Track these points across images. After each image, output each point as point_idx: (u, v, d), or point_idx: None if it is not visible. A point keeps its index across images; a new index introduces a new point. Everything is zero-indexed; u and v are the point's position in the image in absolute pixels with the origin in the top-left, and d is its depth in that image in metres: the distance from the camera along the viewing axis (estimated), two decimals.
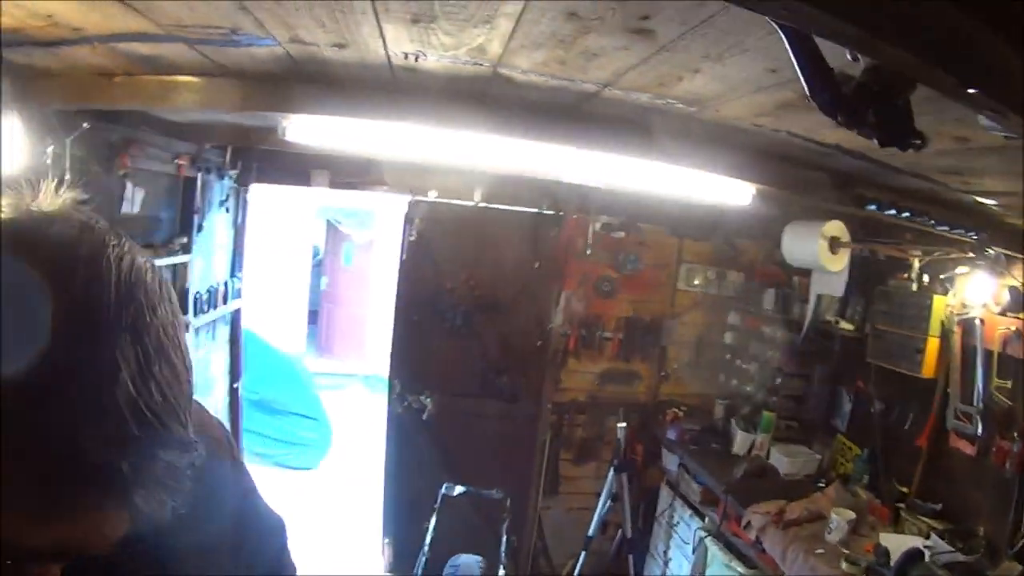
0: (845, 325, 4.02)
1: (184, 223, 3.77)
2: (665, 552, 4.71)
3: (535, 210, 4.61)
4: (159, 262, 3.20)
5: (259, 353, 6.71)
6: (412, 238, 4.57)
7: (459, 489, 3.89)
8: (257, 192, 4.66)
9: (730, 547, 3.85)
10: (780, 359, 4.53)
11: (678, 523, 4.61)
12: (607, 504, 4.58)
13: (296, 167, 4.35)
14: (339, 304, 10.81)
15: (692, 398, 5.03)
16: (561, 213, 4.62)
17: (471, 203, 4.56)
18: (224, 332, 4.71)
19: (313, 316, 10.90)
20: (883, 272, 3.83)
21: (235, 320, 4.87)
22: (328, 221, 10.65)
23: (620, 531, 4.68)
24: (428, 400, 4.81)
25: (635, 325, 4.85)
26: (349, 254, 10.62)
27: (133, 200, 3.10)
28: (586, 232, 4.66)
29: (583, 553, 4.65)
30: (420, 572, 3.93)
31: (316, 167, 4.36)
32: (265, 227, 7.95)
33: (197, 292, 3.96)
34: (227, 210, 4.46)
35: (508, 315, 4.76)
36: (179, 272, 3.72)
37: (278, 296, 9.37)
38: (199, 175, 3.81)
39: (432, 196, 4.52)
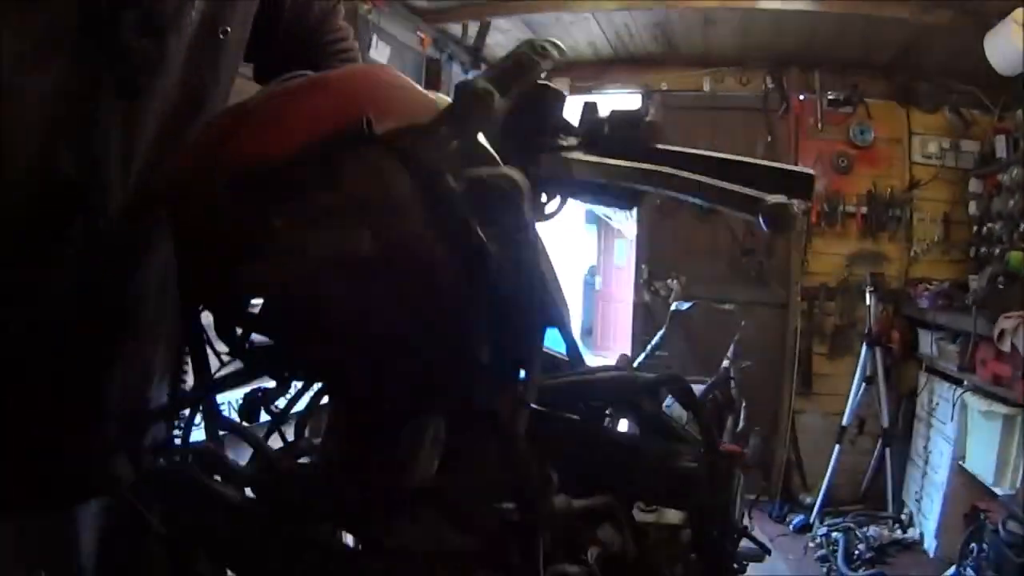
0: None
1: None
2: (925, 447, 5.04)
3: (760, 93, 5.79)
4: None
5: None
6: None
7: (687, 305, 4.95)
8: None
9: (991, 396, 4.24)
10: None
11: (937, 405, 4.97)
12: (861, 387, 5.17)
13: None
14: (613, 302, 12.06)
15: (944, 274, 5.52)
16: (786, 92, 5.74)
17: (700, 91, 5.89)
18: None
19: (587, 316, 12.45)
20: None
21: None
22: (599, 218, 12.28)
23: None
24: (675, 284, 5.93)
25: (876, 200, 5.65)
26: (622, 251, 11.88)
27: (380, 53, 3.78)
28: (814, 110, 5.70)
29: (836, 447, 5.15)
30: None
31: (556, 75, 6.02)
32: None
33: None
34: None
35: None
36: None
37: None
38: (443, 57, 4.84)
39: (663, 86, 5.94)
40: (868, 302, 5.22)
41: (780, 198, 0.61)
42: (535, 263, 0.58)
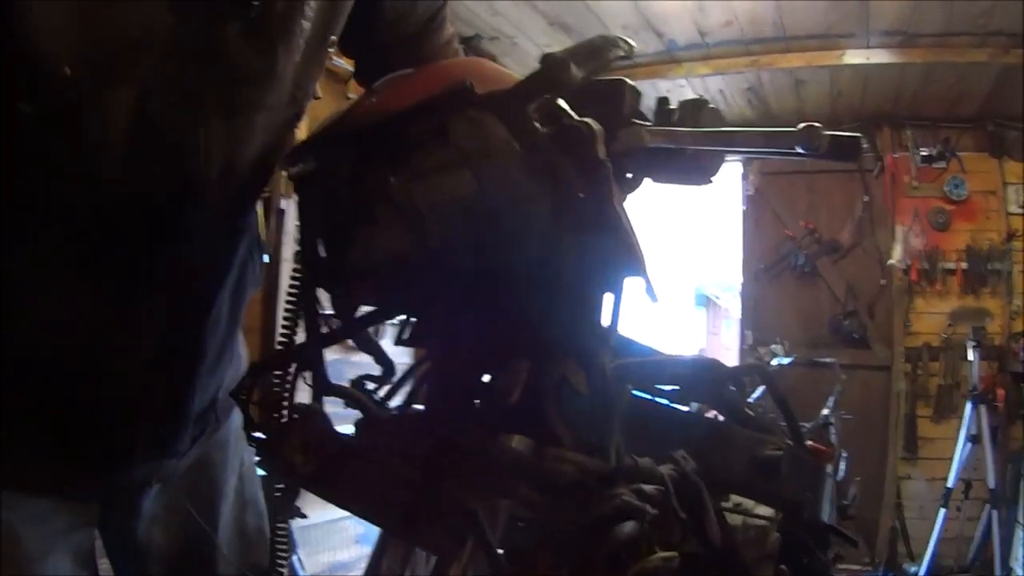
0: None
1: None
2: None
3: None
4: None
5: None
6: (750, 192, 6.03)
7: (787, 360, 4.89)
8: None
9: None
10: None
11: None
12: (967, 447, 4.93)
13: None
14: None
15: None
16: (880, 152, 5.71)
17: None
18: None
19: None
20: None
21: None
22: (708, 299, 12.19)
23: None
24: (778, 348, 5.90)
25: (975, 254, 5.53)
26: (729, 331, 11.84)
27: None
28: (908, 167, 5.66)
29: (942, 512, 4.89)
30: None
31: None
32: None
33: None
34: None
35: (849, 256, 5.81)
36: None
37: None
38: None
39: None
40: (971, 358, 5.06)
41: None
42: (614, 205, 0.64)
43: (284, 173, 0.82)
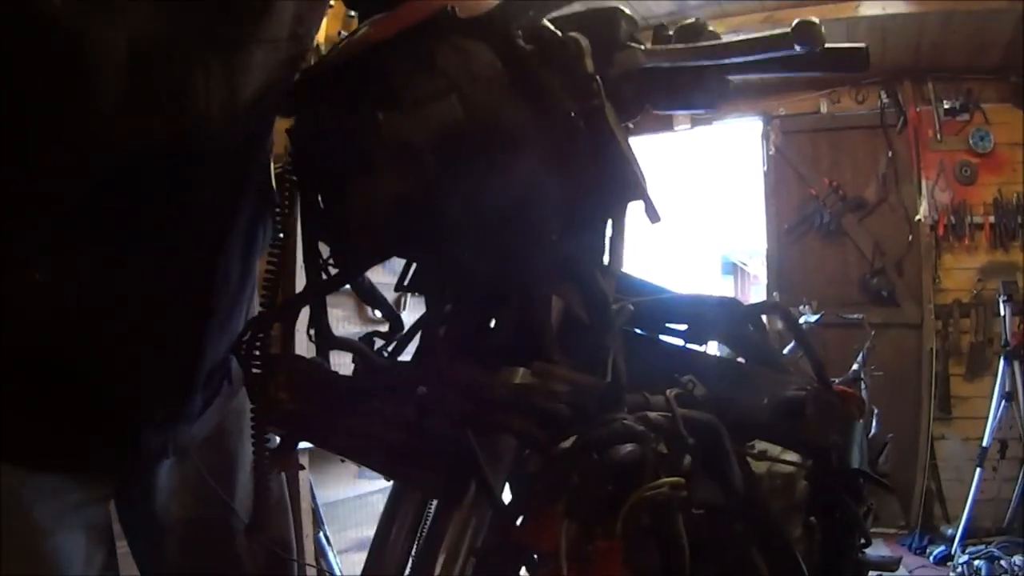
0: None
1: None
2: None
3: (876, 109, 5.68)
4: None
5: None
6: (771, 152, 5.93)
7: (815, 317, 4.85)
8: None
9: None
10: None
11: None
12: (1001, 405, 4.83)
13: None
14: None
15: None
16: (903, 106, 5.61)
17: (818, 113, 5.83)
18: None
19: None
20: None
21: None
22: (735, 266, 12.11)
23: None
24: (806, 309, 5.83)
25: (1003, 207, 5.42)
26: (759, 297, 11.81)
27: None
28: (932, 121, 5.55)
29: (977, 472, 4.81)
30: None
31: None
32: None
33: None
34: None
35: (875, 213, 5.71)
36: None
37: None
38: None
39: (781, 112, 5.90)
40: (1003, 313, 4.96)
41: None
42: (607, 123, 0.61)
43: None
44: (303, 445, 2.72)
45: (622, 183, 0.65)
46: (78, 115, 0.80)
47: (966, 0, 4.45)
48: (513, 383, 0.57)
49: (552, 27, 0.63)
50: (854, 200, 5.75)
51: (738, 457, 0.94)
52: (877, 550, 2.09)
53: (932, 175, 5.54)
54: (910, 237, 5.61)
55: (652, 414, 0.60)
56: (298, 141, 0.79)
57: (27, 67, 0.75)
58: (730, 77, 0.79)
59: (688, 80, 0.76)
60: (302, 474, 3.01)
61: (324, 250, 0.82)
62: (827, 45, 0.74)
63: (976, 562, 4.52)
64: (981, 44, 5.09)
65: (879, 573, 1.99)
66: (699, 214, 11.47)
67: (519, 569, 0.58)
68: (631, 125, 0.81)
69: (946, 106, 5.54)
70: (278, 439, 0.81)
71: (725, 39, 0.74)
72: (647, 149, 6.81)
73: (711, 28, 0.79)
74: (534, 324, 0.63)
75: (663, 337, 1.01)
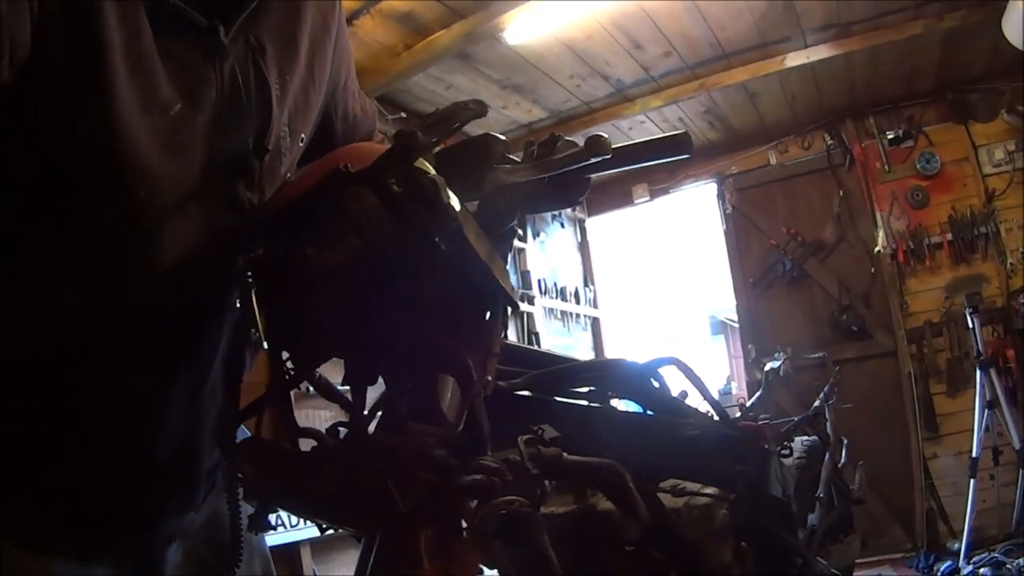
0: None
1: None
2: None
3: (823, 152, 5.96)
4: None
5: None
6: (728, 210, 6.19)
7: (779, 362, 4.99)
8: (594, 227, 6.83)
9: None
10: None
11: None
12: (984, 414, 4.91)
13: (618, 189, 6.41)
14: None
15: None
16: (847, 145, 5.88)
17: (768, 165, 6.11)
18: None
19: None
20: None
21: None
22: (724, 325, 12.24)
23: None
24: (781, 355, 5.92)
25: (959, 223, 5.62)
26: None
27: None
28: (878, 153, 5.82)
29: (972, 483, 4.88)
30: None
31: (633, 183, 6.39)
32: None
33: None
34: (561, 225, 6.55)
35: (835, 252, 5.93)
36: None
37: None
38: None
39: (733, 170, 6.18)
40: (971, 326, 5.10)
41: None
42: (466, 241, 0.80)
43: None
44: (305, 536, 2.84)
45: (486, 284, 0.84)
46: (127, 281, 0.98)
47: (886, 31, 4.65)
48: (413, 445, 0.76)
49: (421, 169, 0.83)
50: (813, 244, 5.99)
51: (644, 493, 1.09)
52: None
53: (885, 206, 5.77)
54: (872, 269, 5.82)
55: (511, 455, 0.78)
56: (254, 269, 0.97)
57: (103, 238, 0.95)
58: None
59: (550, 186, 0.95)
60: (306, 563, 3.17)
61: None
62: (647, 138, 0.95)
63: (981, 570, 4.60)
64: (912, 70, 5.35)
65: None
66: (680, 278, 11.68)
67: None
68: (520, 228, 1.00)
69: (890, 136, 5.81)
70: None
71: (573, 149, 0.92)
72: (610, 224, 7.10)
73: (566, 139, 0.97)
74: (427, 400, 0.81)
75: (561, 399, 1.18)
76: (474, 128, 0.92)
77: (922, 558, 5.25)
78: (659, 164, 0.98)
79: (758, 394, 4.83)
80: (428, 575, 0.73)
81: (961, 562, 4.86)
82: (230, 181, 1.03)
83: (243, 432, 1.09)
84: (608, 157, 0.88)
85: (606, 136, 0.86)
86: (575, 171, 0.92)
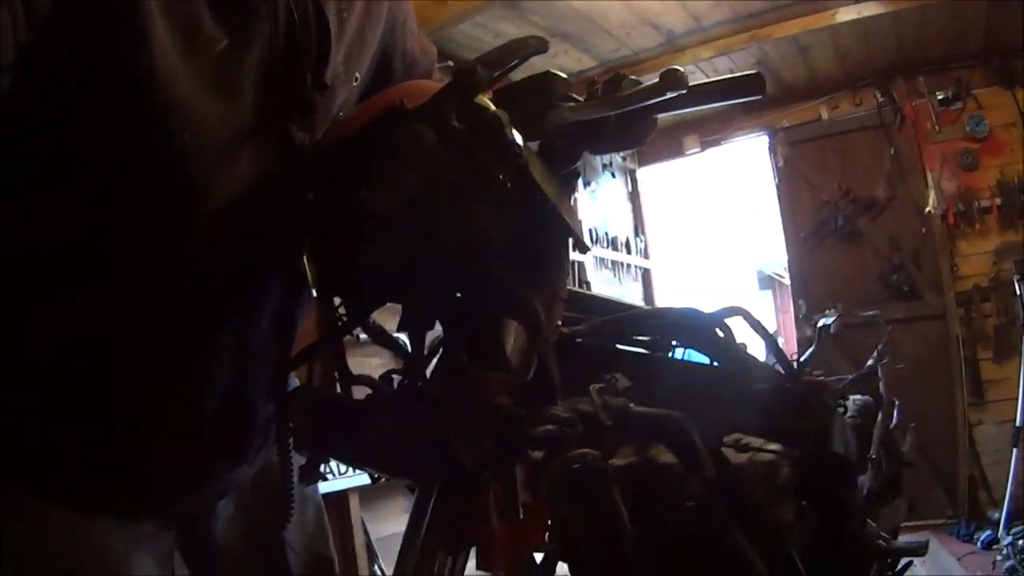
0: None
1: None
2: None
3: (874, 109, 5.81)
4: None
5: None
6: (780, 164, 6.07)
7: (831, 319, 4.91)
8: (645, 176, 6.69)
9: None
10: None
11: None
12: None
13: (669, 139, 6.28)
14: None
15: None
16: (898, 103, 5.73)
17: (819, 120, 5.96)
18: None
19: None
20: None
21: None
22: (771, 279, 12.09)
23: None
24: (831, 312, 5.84)
25: (1007, 188, 5.49)
26: None
27: None
28: (928, 113, 5.67)
29: (1014, 452, 4.81)
30: None
31: (684, 134, 6.26)
32: None
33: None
34: (612, 175, 6.43)
35: (886, 211, 5.81)
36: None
37: None
38: None
39: (784, 124, 6.04)
40: (1019, 292, 5.00)
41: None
42: (531, 178, 0.75)
43: None
44: (353, 485, 2.84)
45: (552, 224, 0.79)
46: (176, 227, 0.93)
47: None
48: (478, 392, 0.72)
49: (482, 104, 0.78)
50: (865, 201, 5.86)
51: (710, 448, 1.04)
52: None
53: (936, 166, 5.63)
54: (923, 230, 5.69)
55: (581, 405, 0.73)
56: (308, 215, 0.93)
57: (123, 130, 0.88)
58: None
59: (615, 126, 0.89)
60: (354, 511, 3.19)
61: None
62: (721, 77, 0.89)
63: (1020, 542, 4.50)
64: (960, 32, 5.21)
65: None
66: (729, 231, 11.53)
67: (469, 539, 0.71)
68: (581, 170, 0.95)
69: (939, 97, 5.64)
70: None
71: (645, 83, 0.86)
72: (661, 175, 7.01)
73: (631, 77, 0.92)
74: (490, 346, 0.76)
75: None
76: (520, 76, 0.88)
77: (963, 526, 5.20)
78: (730, 104, 0.92)
79: (811, 350, 4.75)
80: (496, 534, 0.69)
81: (1000, 531, 4.78)
82: (283, 121, 0.98)
83: (295, 382, 1.06)
84: (683, 93, 0.82)
85: (683, 70, 0.79)
86: (643, 109, 0.87)
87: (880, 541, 1.79)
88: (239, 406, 1.09)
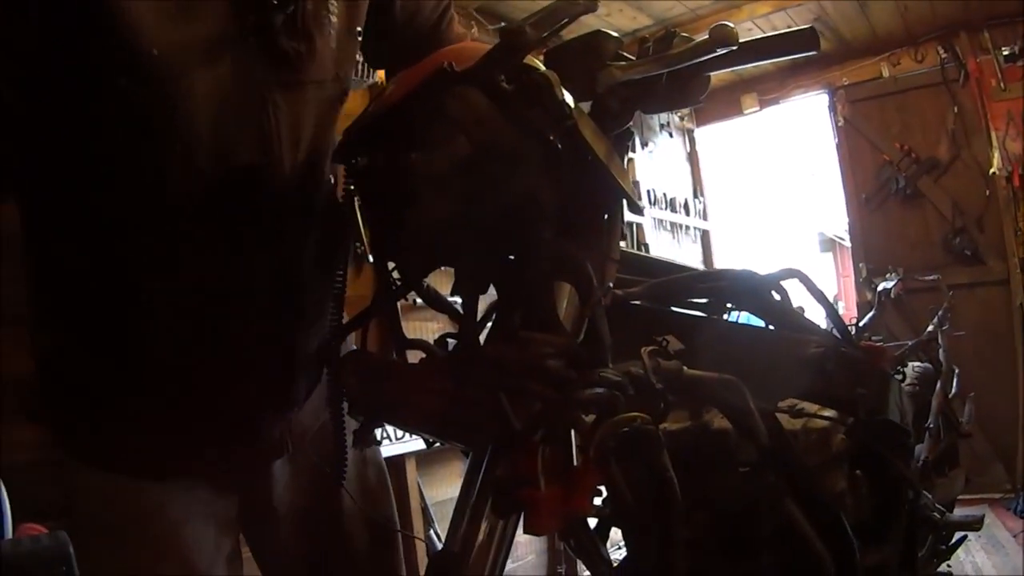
0: None
1: None
2: None
3: (937, 66, 5.62)
4: None
5: None
6: (840, 123, 5.94)
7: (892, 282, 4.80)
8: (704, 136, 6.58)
9: None
10: None
11: None
12: None
13: (727, 98, 6.18)
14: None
15: None
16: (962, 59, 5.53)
17: (880, 78, 5.80)
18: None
19: None
20: None
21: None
22: (833, 242, 11.87)
23: None
24: (893, 276, 5.71)
25: None
26: None
27: None
28: (993, 69, 5.45)
29: None
30: None
31: (742, 93, 6.14)
32: None
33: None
34: (670, 135, 6.34)
35: (949, 172, 5.63)
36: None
37: None
38: None
39: (844, 82, 5.89)
40: None
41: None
42: (583, 139, 0.74)
43: None
44: (410, 449, 2.86)
45: (604, 185, 0.78)
46: (171, 148, 0.95)
47: None
48: (527, 356, 0.72)
49: (532, 65, 0.77)
50: (928, 161, 5.69)
51: (763, 413, 1.03)
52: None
53: (1000, 125, 5.42)
54: (987, 192, 5.50)
55: (632, 368, 0.73)
56: (356, 179, 0.94)
57: (126, 108, 0.92)
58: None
59: (667, 84, 0.88)
60: (410, 476, 3.23)
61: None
62: (772, 33, 0.87)
63: None
64: None
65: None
66: (789, 192, 11.32)
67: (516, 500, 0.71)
68: (635, 130, 0.94)
69: (1005, 52, 5.42)
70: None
71: (696, 40, 0.84)
72: (719, 135, 6.90)
73: (683, 35, 0.90)
74: (542, 308, 0.76)
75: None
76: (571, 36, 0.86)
77: (1021, 501, 5.02)
78: (784, 60, 0.90)
79: (870, 314, 4.67)
80: (544, 497, 0.69)
81: None
82: (266, 27, 0.99)
83: (348, 345, 1.07)
84: (735, 49, 0.80)
85: (732, 26, 0.77)
86: (696, 66, 0.85)
87: (935, 513, 1.76)
88: (279, 344, 1.10)
